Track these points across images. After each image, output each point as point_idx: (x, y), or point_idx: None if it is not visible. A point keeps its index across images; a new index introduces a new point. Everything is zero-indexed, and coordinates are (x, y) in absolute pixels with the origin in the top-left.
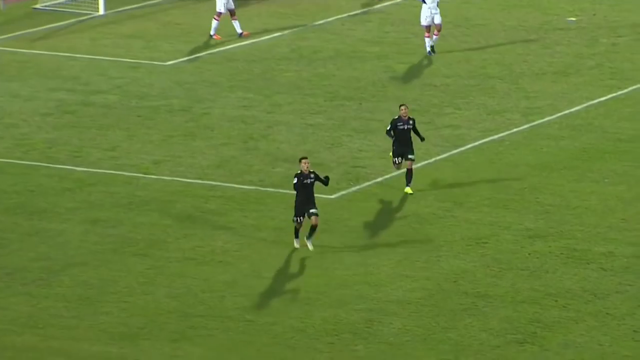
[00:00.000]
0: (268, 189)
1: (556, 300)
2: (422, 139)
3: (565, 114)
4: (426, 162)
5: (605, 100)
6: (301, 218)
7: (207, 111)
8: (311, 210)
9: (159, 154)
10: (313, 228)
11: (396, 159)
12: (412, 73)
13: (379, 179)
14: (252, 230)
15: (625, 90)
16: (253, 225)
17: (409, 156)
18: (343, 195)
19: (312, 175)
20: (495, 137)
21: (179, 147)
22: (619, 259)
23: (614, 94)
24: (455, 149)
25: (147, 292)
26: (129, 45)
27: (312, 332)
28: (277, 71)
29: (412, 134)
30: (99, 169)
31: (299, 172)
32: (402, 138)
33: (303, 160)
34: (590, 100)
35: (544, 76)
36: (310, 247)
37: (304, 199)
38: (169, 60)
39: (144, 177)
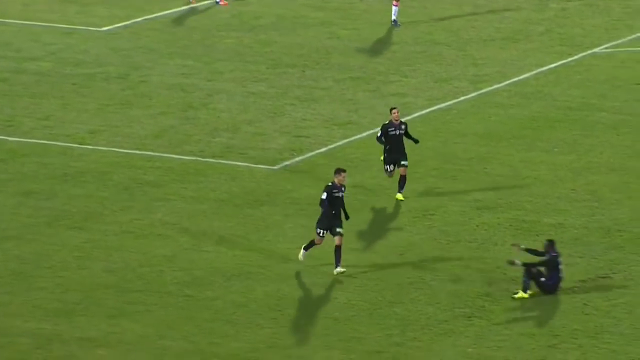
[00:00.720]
0: (208, 160)
1: (505, 273)
2: (417, 142)
3: (514, 82)
4: (371, 131)
5: (555, 67)
6: (325, 232)
7: (145, 79)
8: (338, 229)
9: (95, 123)
10: (338, 249)
11: (388, 166)
12: (357, 40)
13: (323, 149)
14: (192, 202)
15: (575, 57)
16: (193, 197)
17: (402, 162)
18: (286, 166)
19: (343, 189)
20: (443, 105)
21: (116, 117)
22: (569, 230)
23: (564, 61)
24: (402, 117)
25: (83, 266)
26: (63, 10)
27: (254, 307)
28: (217, 38)
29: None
30: (32, 139)
31: (331, 184)
32: (394, 144)
33: (343, 173)
34: (540, 67)
35: (492, 42)
36: (342, 270)
37: (333, 214)
38: (105, 25)
39: (79, 147)
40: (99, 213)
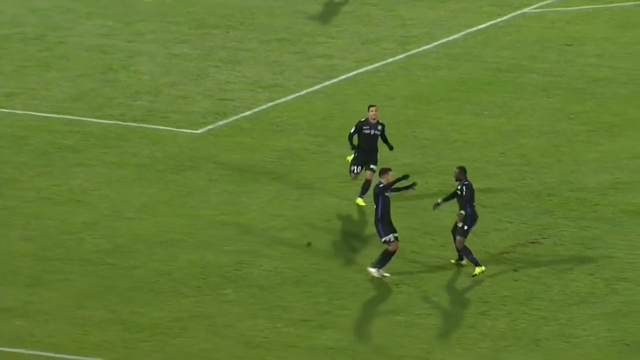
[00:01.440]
0: (129, 124)
1: (434, 239)
2: (391, 148)
3: (443, 43)
4: (297, 94)
5: (485, 28)
6: (359, 169)
7: (63, 40)
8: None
9: (11, 85)
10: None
11: (355, 167)
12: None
13: (248, 113)
14: (112, 167)
15: (505, 18)
16: (114, 162)
17: (371, 166)
18: (210, 130)
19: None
20: (370, 67)
21: (33, 79)
22: (498, 194)
23: (494, 22)
24: (328, 80)
25: None
26: None
27: (177, 275)
28: None
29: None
30: None
31: (363, 119)
32: (367, 144)
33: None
34: (469, 28)
35: (420, 2)
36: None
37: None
38: None
39: None
40: (15, 179)
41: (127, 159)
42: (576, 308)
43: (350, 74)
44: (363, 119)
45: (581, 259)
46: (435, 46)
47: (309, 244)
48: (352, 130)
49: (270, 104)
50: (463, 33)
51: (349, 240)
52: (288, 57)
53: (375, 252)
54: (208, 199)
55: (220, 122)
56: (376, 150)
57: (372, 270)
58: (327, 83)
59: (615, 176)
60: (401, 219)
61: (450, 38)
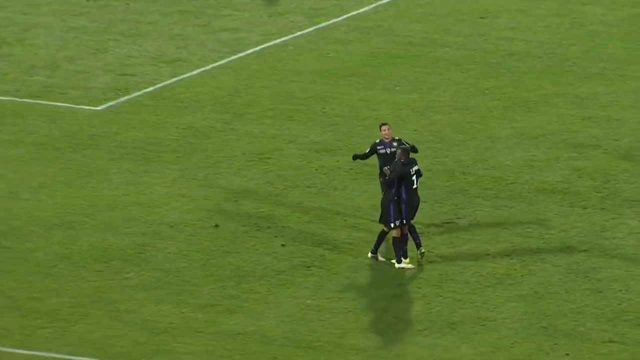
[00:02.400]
0: (25, 100)
1: (345, 220)
2: (415, 150)
3: (353, 15)
4: (202, 69)
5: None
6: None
7: None
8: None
9: None
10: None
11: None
12: None
13: (151, 89)
14: (8, 146)
15: None
16: (9, 140)
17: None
18: (110, 106)
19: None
20: (278, 41)
21: None
22: None
23: None
24: (235, 54)
25: None
26: None
27: (78, 259)
28: None
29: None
30: None
31: (378, 140)
32: (386, 164)
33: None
34: (380, 0)
35: None
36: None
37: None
38: None
39: None
40: None
41: (24, 137)
42: (492, 290)
43: (257, 48)
44: (377, 140)
45: (497, 240)
46: (345, 19)
47: (216, 226)
48: (366, 151)
49: (174, 79)
50: (373, 5)
51: (258, 221)
52: (192, 31)
53: (284, 233)
54: (109, 178)
55: (122, 99)
56: None
57: (398, 265)
58: (233, 57)
59: (531, 153)
60: (311, 199)
61: (360, 11)
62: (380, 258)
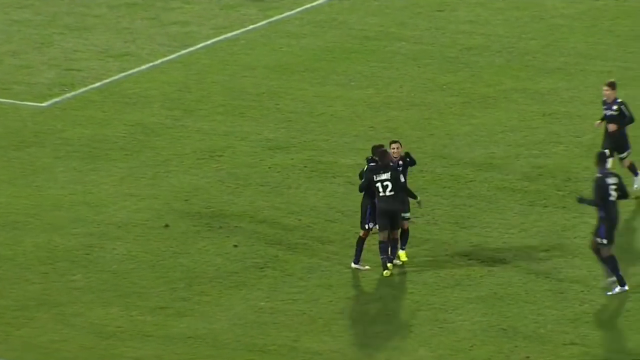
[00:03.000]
0: None
1: (300, 219)
2: (414, 163)
3: (307, 9)
4: (151, 64)
5: None
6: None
7: None
8: (403, 215)
9: None
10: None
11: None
12: None
13: (98, 84)
14: None
15: None
16: None
17: (404, 214)
18: (56, 102)
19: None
20: (229, 35)
21: None
22: None
23: None
24: (185, 49)
25: None
26: None
27: (22, 260)
28: None
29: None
30: None
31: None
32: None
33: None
34: None
35: None
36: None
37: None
38: None
39: None
40: None
41: None
42: (450, 291)
43: (208, 42)
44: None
45: (455, 240)
46: (299, 12)
47: (166, 226)
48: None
49: (122, 74)
50: None
51: (209, 221)
52: (140, 24)
53: (237, 234)
54: (55, 177)
55: (68, 95)
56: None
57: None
58: (183, 52)
59: (490, 151)
60: (264, 198)
61: (314, 4)
62: (363, 267)
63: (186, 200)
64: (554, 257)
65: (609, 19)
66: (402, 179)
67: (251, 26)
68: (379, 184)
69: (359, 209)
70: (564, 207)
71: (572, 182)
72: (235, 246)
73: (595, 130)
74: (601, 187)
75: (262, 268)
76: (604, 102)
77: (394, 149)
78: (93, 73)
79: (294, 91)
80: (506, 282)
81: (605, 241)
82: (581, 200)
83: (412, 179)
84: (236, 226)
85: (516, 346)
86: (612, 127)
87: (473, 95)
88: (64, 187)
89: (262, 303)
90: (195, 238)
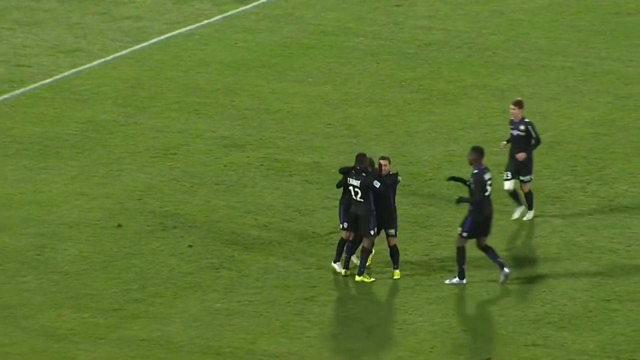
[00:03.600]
0: None
1: (256, 219)
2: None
3: (263, 3)
4: (103, 60)
5: None
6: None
7: None
8: (389, 230)
9: None
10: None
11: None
12: None
13: (48, 81)
14: None
15: None
16: None
17: (390, 230)
18: (4, 99)
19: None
20: (183, 30)
21: None
22: (326, 169)
23: None
24: (137, 44)
25: None
26: None
27: None
28: None
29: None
30: None
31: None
32: (382, 204)
33: (382, 161)
34: None
35: None
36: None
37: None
38: None
39: None
40: None
41: None
42: (410, 292)
43: (162, 37)
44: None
45: (415, 239)
46: (255, 7)
47: (118, 226)
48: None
49: (73, 70)
50: None
51: (163, 220)
52: (91, 19)
53: (191, 234)
54: (4, 176)
55: (17, 91)
56: (394, 210)
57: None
58: (135, 47)
59: (450, 148)
60: (220, 197)
61: None
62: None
63: (139, 199)
64: (515, 257)
65: (570, 13)
66: (375, 189)
67: (205, 21)
68: (350, 187)
69: (316, 207)
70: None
71: (533, 180)
72: (190, 246)
73: (558, 127)
74: (480, 183)
75: (217, 269)
76: (511, 122)
77: (383, 165)
78: (43, 69)
79: (249, 87)
80: (467, 282)
81: (465, 234)
82: (460, 200)
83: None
84: (191, 226)
85: (477, 348)
86: (521, 156)
87: (432, 92)
88: (13, 186)
89: (218, 304)
90: (149, 238)
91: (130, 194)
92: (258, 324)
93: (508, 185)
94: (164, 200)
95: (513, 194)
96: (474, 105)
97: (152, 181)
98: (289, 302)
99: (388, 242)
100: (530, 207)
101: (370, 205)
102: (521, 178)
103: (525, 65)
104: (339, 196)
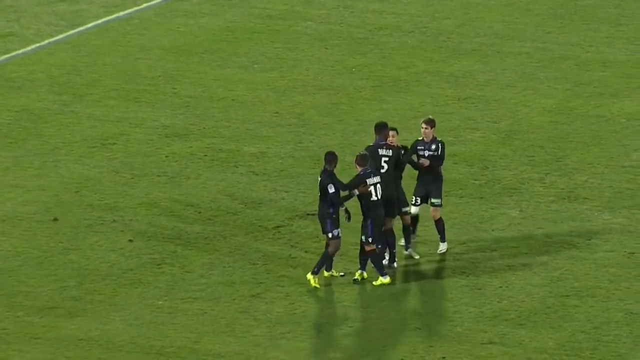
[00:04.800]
0: None
1: (199, 212)
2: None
3: None
4: (37, 45)
5: None
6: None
7: None
8: (404, 209)
9: None
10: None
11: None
12: None
13: None
14: None
15: None
16: None
17: (405, 209)
18: None
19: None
20: (122, 14)
21: None
22: (273, 160)
23: None
24: (73, 28)
25: None
26: None
27: None
28: None
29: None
30: None
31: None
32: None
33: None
34: None
35: None
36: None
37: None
38: None
39: None
40: None
41: None
42: (361, 288)
43: (99, 21)
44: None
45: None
46: None
47: (54, 220)
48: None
49: (5, 56)
50: None
51: (102, 214)
52: (25, 2)
53: (132, 228)
54: None
55: None
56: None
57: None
58: (72, 32)
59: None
60: (161, 189)
61: None
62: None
63: (77, 191)
64: (471, 251)
65: None
66: (328, 193)
67: (145, 4)
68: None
69: (263, 200)
70: (481, 198)
71: (489, 171)
72: (131, 241)
73: (514, 116)
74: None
75: (159, 264)
76: (421, 142)
77: (391, 135)
78: None
79: (192, 74)
80: (420, 277)
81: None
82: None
83: (320, 168)
84: (131, 219)
85: (431, 346)
86: (424, 162)
87: (384, 79)
88: None
89: (160, 302)
90: (87, 233)
91: (66, 186)
92: (202, 322)
93: (415, 210)
94: (102, 192)
95: (413, 222)
96: (427, 92)
97: (89, 173)
98: (234, 299)
99: (403, 221)
100: (442, 239)
101: (327, 208)
102: (432, 200)
103: (481, 50)
104: (286, 188)
